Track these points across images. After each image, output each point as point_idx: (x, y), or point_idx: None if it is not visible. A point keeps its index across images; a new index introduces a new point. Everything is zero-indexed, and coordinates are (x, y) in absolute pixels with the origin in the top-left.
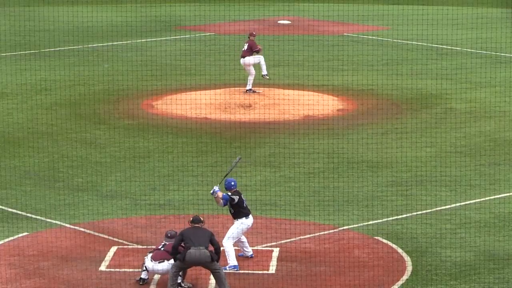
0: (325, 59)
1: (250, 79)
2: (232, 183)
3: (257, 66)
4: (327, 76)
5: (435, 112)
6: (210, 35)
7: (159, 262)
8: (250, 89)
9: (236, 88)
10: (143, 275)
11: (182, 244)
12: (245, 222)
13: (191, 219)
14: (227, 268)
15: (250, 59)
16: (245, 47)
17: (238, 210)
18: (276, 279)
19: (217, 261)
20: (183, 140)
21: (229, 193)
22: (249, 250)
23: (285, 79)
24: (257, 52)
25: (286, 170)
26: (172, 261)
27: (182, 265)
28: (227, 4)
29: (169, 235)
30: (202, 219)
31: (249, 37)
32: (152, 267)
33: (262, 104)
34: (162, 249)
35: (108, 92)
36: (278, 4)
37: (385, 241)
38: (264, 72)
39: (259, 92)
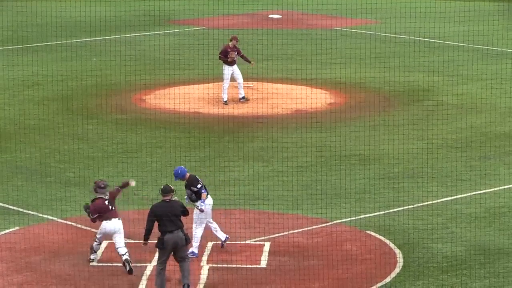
0: (315, 53)
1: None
2: (179, 171)
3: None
4: (318, 70)
5: (425, 105)
6: (201, 29)
7: (118, 219)
8: (244, 97)
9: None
10: (92, 256)
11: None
12: (206, 203)
13: (162, 188)
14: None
15: (224, 68)
16: (236, 54)
17: (199, 194)
18: (267, 273)
19: (188, 243)
20: (174, 134)
21: (194, 188)
22: (221, 234)
23: (276, 73)
24: (229, 62)
25: (277, 164)
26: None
27: (164, 254)
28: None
29: (102, 185)
30: (172, 188)
31: (233, 40)
32: (114, 228)
33: (253, 98)
34: (112, 208)
35: (99, 86)
36: None
37: (375, 234)
38: (241, 94)
39: (250, 86)
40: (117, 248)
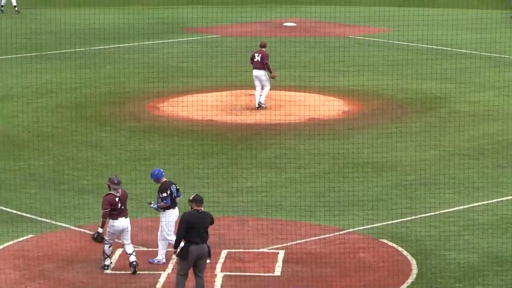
0: (329, 61)
1: (266, 91)
2: (156, 172)
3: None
4: (332, 78)
5: (439, 114)
6: (215, 37)
7: (126, 218)
8: (260, 105)
9: (241, 90)
10: (107, 261)
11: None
12: (172, 213)
13: (193, 198)
14: (155, 261)
15: (263, 74)
16: (258, 58)
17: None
18: (281, 281)
19: (210, 256)
20: (188, 142)
21: (161, 195)
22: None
23: (290, 81)
24: (270, 75)
25: (291, 172)
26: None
27: (187, 265)
28: (232, 6)
29: (115, 181)
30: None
31: (262, 46)
32: (123, 226)
33: (267, 106)
34: (121, 207)
35: (113, 94)
36: (283, 7)
37: (390, 243)
38: (263, 99)
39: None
40: (124, 245)
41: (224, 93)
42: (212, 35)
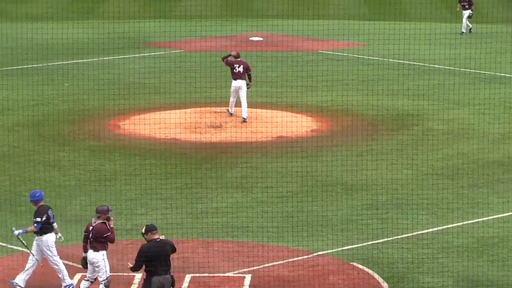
0: (298, 76)
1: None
2: (37, 194)
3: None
4: (301, 94)
5: (412, 132)
6: (178, 52)
7: (93, 251)
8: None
9: (206, 108)
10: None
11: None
12: (51, 238)
13: (146, 228)
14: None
15: (245, 84)
16: (240, 69)
17: (46, 227)
18: None
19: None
20: (151, 161)
21: (37, 219)
22: (21, 278)
23: (257, 97)
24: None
25: (258, 192)
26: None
27: None
28: (195, 20)
29: (97, 209)
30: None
31: (238, 57)
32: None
33: (233, 124)
34: (92, 239)
35: (72, 112)
36: (249, 20)
37: (361, 266)
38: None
39: (227, 111)
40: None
41: (188, 110)
42: (175, 50)
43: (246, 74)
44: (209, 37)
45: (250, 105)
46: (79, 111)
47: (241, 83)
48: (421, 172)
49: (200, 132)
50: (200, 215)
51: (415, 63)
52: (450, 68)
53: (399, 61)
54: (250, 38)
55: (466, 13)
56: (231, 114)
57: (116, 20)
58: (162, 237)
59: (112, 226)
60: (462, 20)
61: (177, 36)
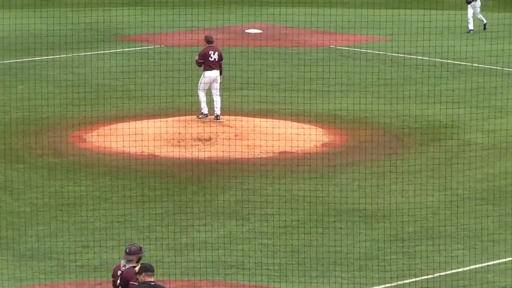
0: (306, 79)
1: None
2: None
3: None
4: (309, 100)
5: (446, 147)
6: (157, 47)
7: None
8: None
9: (192, 116)
10: None
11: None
12: None
13: (141, 267)
14: None
15: (219, 75)
16: (215, 56)
17: None
18: None
19: None
20: (123, 183)
21: None
22: None
23: (255, 104)
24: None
25: (257, 221)
26: None
27: None
28: (180, 8)
29: (127, 250)
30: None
31: (211, 42)
32: None
33: (225, 137)
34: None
35: (27, 121)
36: (244, 8)
37: None
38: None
39: (221, 122)
40: None
41: (169, 119)
42: (154, 44)
43: (219, 64)
44: (196, 29)
45: (246, 112)
46: (35, 120)
47: (216, 74)
48: (456, 197)
49: (185, 146)
50: (185, 250)
51: (449, 61)
52: (492, 67)
53: (430, 59)
54: (246, 31)
55: (474, 6)
56: (206, 116)
57: (81, 8)
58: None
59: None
60: (470, 14)
61: (156, 28)
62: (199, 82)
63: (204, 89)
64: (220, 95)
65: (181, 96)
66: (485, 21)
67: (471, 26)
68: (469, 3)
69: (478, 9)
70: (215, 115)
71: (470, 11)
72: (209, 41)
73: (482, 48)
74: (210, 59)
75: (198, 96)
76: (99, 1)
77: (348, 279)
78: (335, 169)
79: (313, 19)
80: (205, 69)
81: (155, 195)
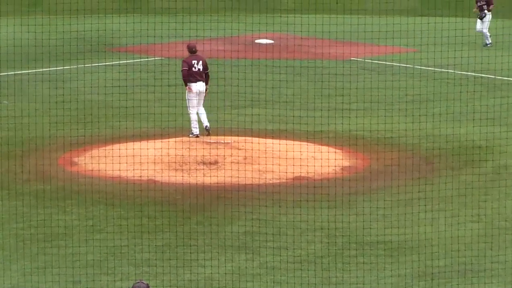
0: (323, 96)
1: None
2: None
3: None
4: (327, 119)
5: (481, 170)
6: (156, 59)
7: None
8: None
9: (195, 137)
10: None
11: None
12: None
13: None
14: None
15: (204, 88)
16: (199, 66)
17: None
18: None
19: None
20: (119, 211)
21: None
22: None
23: (267, 123)
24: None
25: (269, 255)
26: None
27: None
28: (182, 15)
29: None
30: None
31: (195, 51)
32: None
33: (233, 160)
34: None
35: (11, 142)
36: (254, 16)
37: None
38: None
39: (227, 143)
40: None
41: (171, 140)
42: (152, 56)
43: (204, 74)
44: (200, 39)
45: (256, 133)
46: (20, 142)
47: (202, 87)
48: (494, 227)
49: (188, 171)
50: (188, 286)
51: (483, 75)
52: None
53: (463, 72)
54: (257, 41)
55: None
56: (196, 136)
57: (72, 15)
58: None
59: None
60: (478, 27)
61: (156, 38)
62: (187, 98)
63: (195, 106)
64: (204, 106)
65: (184, 114)
66: (489, 42)
67: (488, 40)
68: (482, 18)
69: (487, 24)
70: (205, 127)
71: (478, 25)
72: (192, 50)
73: None
74: (193, 69)
75: (189, 115)
76: (92, 8)
77: None
78: (356, 196)
79: (331, 28)
80: (189, 81)
81: (155, 225)
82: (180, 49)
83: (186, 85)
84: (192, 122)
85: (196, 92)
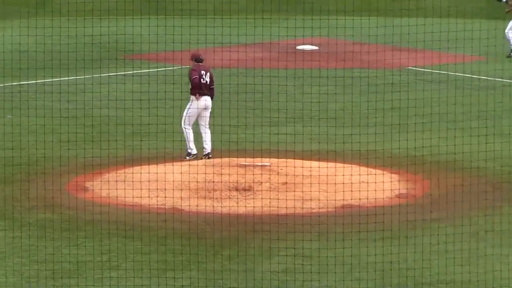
0: (377, 109)
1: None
2: None
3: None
4: (380, 137)
5: None
6: (180, 68)
7: None
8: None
9: (227, 159)
10: None
11: None
12: None
13: None
14: None
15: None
16: (207, 78)
17: None
18: None
19: None
20: (137, 246)
21: None
22: None
23: (311, 142)
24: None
25: None
26: None
27: None
28: (214, 18)
29: None
30: None
31: (201, 60)
32: None
33: (270, 185)
34: None
35: (14, 163)
36: (297, 18)
37: None
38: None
39: (264, 166)
40: None
41: (197, 163)
42: (175, 65)
43: (210, 88)
44: (231, 45)
45: (298, 154)
46: (24, 163)
47: (208, 101)
48: None
49: (219, 199)
50: None
51: None
52: None
53: None
54: (299, 47)
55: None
56: (195, 156)
57: (82, 16)
58: None
59: None
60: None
61: (182, 44)
62: (184, 114)
63: (191, 123)
64: (209, 127)
65: (215, 134)
66: None
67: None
68: None
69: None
70: (205, 153)
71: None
72: (197, 59)
73: None
74: (202, 81)
75: (183, 132)
76: (107, 8)
77: None
78: (414, 227)
79: (386, 31)
80: (195, 94)
81: (179, 261)
82: (209, 58)
83: (195, 94)
84: (188, 142)
85: (202, 107)
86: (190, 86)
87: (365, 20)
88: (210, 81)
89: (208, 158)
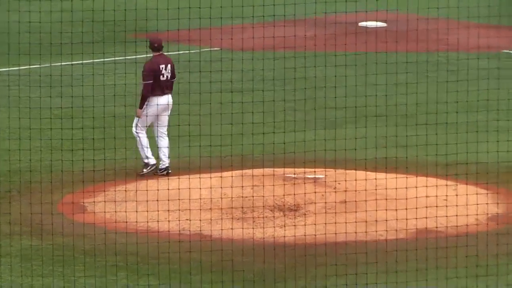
0: (460, 104)
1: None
2: None
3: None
4: (465, 138)
5: None
6: (209, 50)
7: None
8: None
9: (269, 169)
10: None
11: None
12: None
13: None
14: None
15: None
16: (167, 73)
17: None
18: None
19: None
20: (152, 284)
21: None
22: None
23: (377, 150)
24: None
25: None
26: None
27: None
28: None
29: None
30: None
31: (160, 48)
32: None
33: (324, 204)
34: None
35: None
36: None
37: None
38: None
39: (317, 179)
40: None
41: (230, 174)
42: (203, 47)
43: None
44: (276, 21)
45: (361, 163)
46: (3, 176)
47: (168, 100)
48: None
49: (257, 220)
50: None
51: None
52: None
53: None
54: (361, 24)
55: None
56: (153, 167)
57: None
58: None
59: None
60: None
61: (207, 19)
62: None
63: (146, 126)
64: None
65: (247, 135)
66: None
67: None
68: None
69: None
70: (163, 167)
71: None
72: (156, 47)
73: None
74: (161, 77)
75: (136, 137)
76: None
77: None
78: (509, 258)
79: (471, 3)
80: (155, 92)
81: None
82: (239, 37)
83: (153, 95)
84: (143, 148)
85: (163, 107)
86: (142, 87)
87: None
88: (171, 75)
89: (168, 174)
